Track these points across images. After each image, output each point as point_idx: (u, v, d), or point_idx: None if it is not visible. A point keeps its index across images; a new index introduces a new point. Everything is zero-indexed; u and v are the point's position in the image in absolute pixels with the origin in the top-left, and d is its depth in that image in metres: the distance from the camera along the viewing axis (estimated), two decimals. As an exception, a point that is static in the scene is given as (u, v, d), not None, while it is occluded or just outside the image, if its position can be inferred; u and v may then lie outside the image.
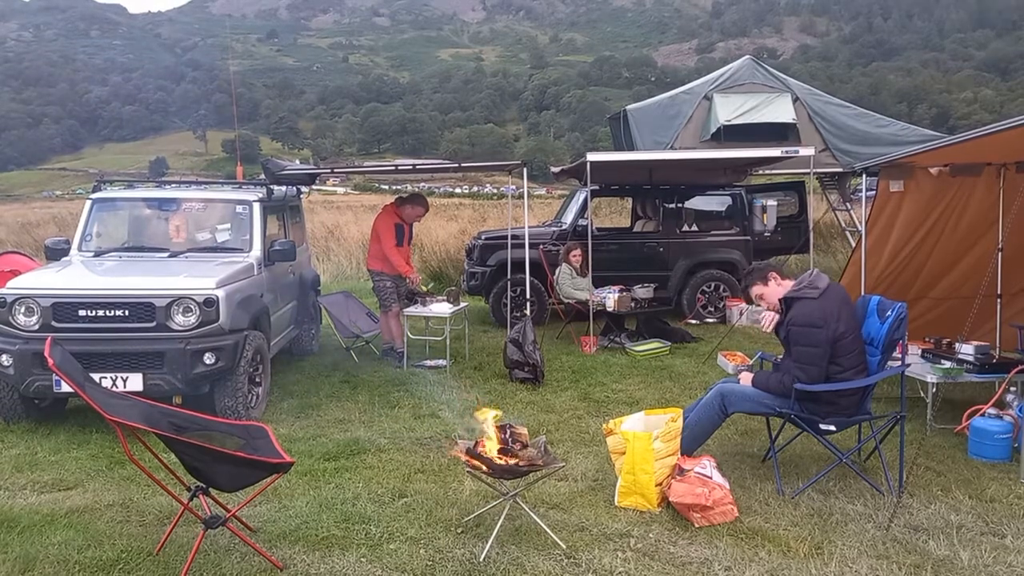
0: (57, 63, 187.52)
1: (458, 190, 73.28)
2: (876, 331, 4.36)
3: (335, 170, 20.91)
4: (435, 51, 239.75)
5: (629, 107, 11.70)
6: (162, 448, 3.61)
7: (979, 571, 3.45)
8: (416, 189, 19.31)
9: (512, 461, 3.73)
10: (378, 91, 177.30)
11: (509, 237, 9.35)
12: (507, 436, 3.86)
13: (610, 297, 8.61)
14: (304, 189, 8.96)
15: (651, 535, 3.81)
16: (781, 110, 10.73)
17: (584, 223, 9.83)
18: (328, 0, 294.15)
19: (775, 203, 10.80)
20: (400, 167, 9.67)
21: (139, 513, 4.12)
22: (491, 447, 3.77)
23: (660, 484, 4.09)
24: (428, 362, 7.82)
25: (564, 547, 3.65)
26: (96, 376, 4.76)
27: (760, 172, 10.94)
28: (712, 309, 10.40)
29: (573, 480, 4.55)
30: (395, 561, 3.56)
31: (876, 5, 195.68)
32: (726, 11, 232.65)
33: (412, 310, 7.73)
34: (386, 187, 59.43)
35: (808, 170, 9.42)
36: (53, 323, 5.35)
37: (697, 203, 10.80)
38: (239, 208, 6.81)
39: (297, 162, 37.73)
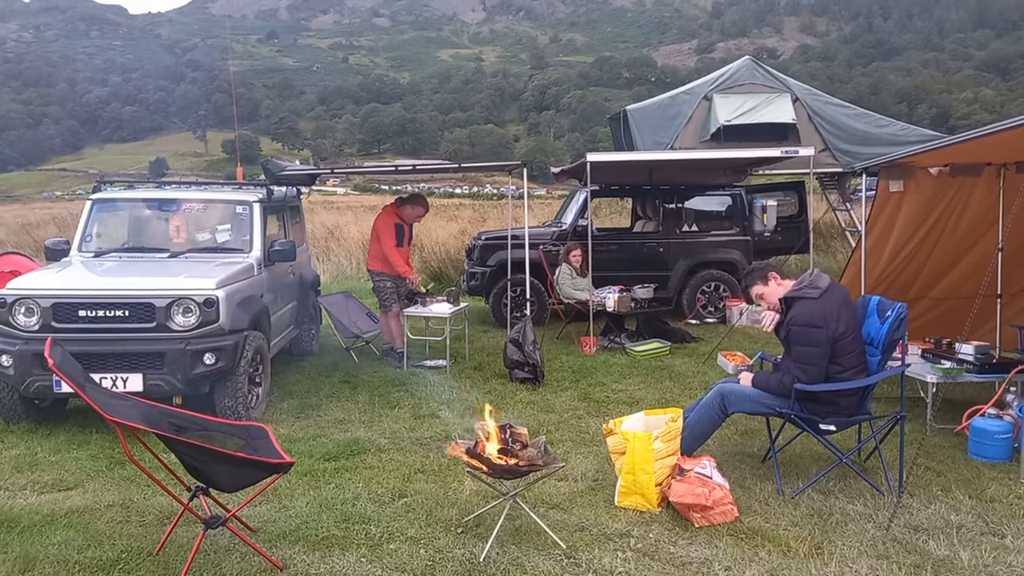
0: (57, 63, 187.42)
1: (458, 190, 73.27)
2: (876, 331, 4.36)
3: (335, 170, 20.92)
4: (435, 51, 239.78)
5: (629, 107, 11.70)
6: (162, 448, 3.61)
7: (979, 571, 3.45)
8: (416, 189, 19.32)
9: (512, 461, 3.73)
10: (378, 91, 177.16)
11: (509, 237, 9.35)
12: (507, 436, 3.86)
13: (610, 297, 8.61)
14: (304, 189, 8.96)
15: (651, 535, 3.81)
16: (781, 110, 10.72)
17: (584, 223, 9.83)
18: (328, 0, 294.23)
19: (775, 203, 10.80)
20: (400, 167, 9.66)
21: (139, 513, 4.13)
22: (491, 448, 3.77)
23: (660, 484, 4.09)
24: (428, 362, 7.82)
25: (564, 547, 3.65)
26: (96, 376, 4.76)
27: (760, 172, 10.93)
28: (712, 309, 10.40)
29: (573, 480, 4.55)
30: (395, 561, 3.56)
31: (876, 5, 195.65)
32: (726, 11, 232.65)
33: (412, 310, 7.73)
34: (386, 187, 59.47)
35: (808, 170, 9.42)
36: (53, 323, 5.36)
37: (697, 203, 10.80)
38: (239, 208, 6.81)
39: (297, 162, 37.74)
